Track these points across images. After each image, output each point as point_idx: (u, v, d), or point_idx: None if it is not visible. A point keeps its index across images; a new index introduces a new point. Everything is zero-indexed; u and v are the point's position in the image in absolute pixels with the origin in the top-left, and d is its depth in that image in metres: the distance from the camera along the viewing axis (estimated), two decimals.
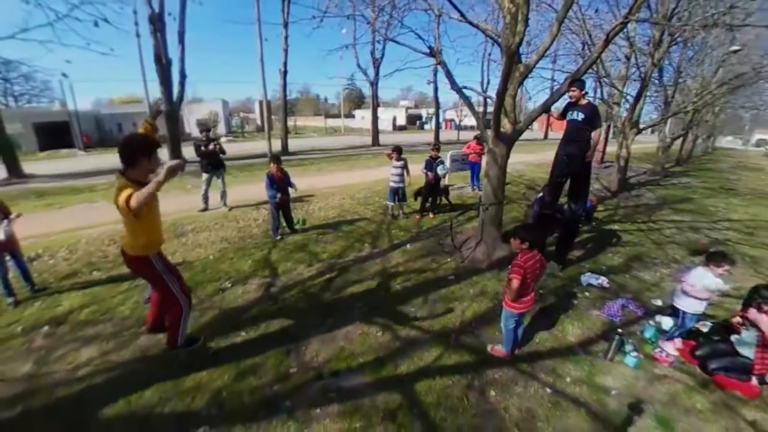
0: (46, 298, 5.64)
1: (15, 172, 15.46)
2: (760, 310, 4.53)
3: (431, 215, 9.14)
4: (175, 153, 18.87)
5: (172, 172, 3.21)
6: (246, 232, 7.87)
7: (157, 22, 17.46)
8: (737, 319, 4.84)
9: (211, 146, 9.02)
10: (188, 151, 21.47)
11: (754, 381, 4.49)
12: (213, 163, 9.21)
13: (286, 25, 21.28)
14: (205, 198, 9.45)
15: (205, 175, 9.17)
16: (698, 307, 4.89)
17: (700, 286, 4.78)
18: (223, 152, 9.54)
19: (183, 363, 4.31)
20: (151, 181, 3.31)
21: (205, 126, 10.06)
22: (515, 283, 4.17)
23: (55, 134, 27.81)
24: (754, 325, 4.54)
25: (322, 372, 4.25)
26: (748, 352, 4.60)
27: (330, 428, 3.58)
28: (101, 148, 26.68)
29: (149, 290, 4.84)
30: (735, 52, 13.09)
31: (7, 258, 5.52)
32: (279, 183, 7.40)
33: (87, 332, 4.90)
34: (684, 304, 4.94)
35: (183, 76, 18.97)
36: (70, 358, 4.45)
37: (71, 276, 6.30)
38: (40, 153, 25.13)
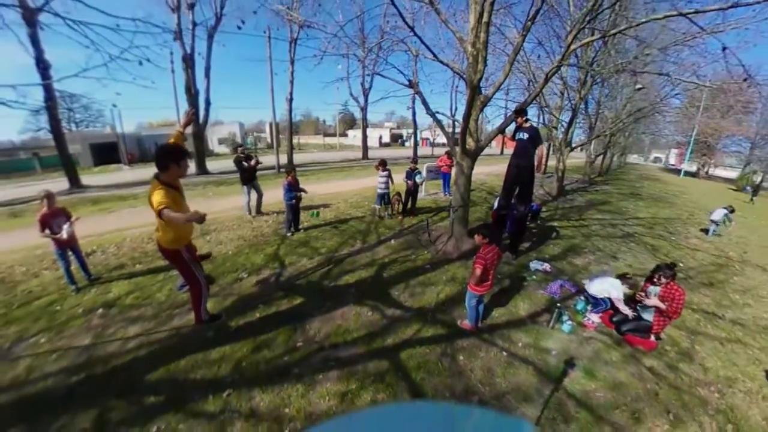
0: (99, 286, 5.61)
1: (75, 184, 15.34)
2: (654, 282, 4.89)
3: (402, 217, 9.07)
4: (201, 166, 18.76)
5: (197, 219, 3.44)
6: (258, 232, 7.78)
7: (188, 60, 17.49)
8: (641, 293, 5.02)
9: (252, 162, 8.75)
10: (212, 165, 21.77)
11: (653, 338, 4.85)
12: (251, 176, 8.91)
13: (292, 62, 21.12)
14: (249, 208, 9.12)
15: (245, 187, 8.87)
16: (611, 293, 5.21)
17: (609, 287, 5.17)
18: (260, 163, 9.26)
19: (210, 338, 4.28)
20: (183, 215, 3.42)
21: (239, 145, 9.62)
22: (478, 272, 4.22)
23: (106, 152, 27.79)
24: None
25: (323, 345, 4.26)
26: (648, 316, 4.89)
27: (331, 390, 3.60)
28: (142, 163, 26.53)
29: (181, 280, 4.80)
30: (638, 90, 13.82)
31: (69, 253, 5.47)
32: (295, 188, 7.35)
33: (132, 314, 4.88)
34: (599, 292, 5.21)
35: (208, 103, 19.00)
36: (119, 334, 4.46)
37: (118, 268, 6.26)
38: (94, 168, 25.07)
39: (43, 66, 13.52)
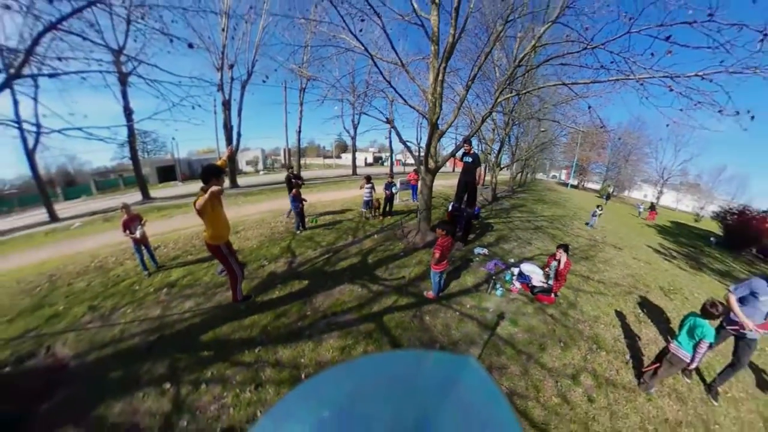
0: (164, 272, 5.55)
1: (146, 196, 15.28)
2: (555, 258, 5.06)
3: (382, 218, 8.93)
4: (233, 181, 18.32)
5: (216, 193, 3.40)
6: (275, 230, 7.55)
7: (226, 104, 17.10)
8: (546, 267, 5.16)
9: (301, 183, 8.26)
10: (241, 180, 21.26)
11: (553, 296, 5.02)
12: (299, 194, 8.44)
13: (301, 104, 20.79)
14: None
15: (294, 204, 8.23)
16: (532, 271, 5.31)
17: (533, 272, 5.25)
18: (303, 182, 8.71)
19: (242, 311, 4.22)
20: (207, 194, 3.35)
21: (290, 167, 8.96)
22: (437, 255, 4.26)
23: (167, 173, 27.49)
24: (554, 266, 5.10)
25: (326, 313, 4.21)
26: (551, 281, 5.07)
27: (333, 345, 3.60)
28: (191, 180, 26.13)
29: (220, 266, 4.72)
30: (542, 131, 15.27)
31: (142, 247, 5.47)
32: (298, 199, 7.17)
33: (187, 292, 4.83)
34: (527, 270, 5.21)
35: (239, 135, 18.50)
36: (179, 307, 4.42)
37: (176, 258, 6.10)
38: (158, 184, 24.64)
39: (127, 112, 13.99)
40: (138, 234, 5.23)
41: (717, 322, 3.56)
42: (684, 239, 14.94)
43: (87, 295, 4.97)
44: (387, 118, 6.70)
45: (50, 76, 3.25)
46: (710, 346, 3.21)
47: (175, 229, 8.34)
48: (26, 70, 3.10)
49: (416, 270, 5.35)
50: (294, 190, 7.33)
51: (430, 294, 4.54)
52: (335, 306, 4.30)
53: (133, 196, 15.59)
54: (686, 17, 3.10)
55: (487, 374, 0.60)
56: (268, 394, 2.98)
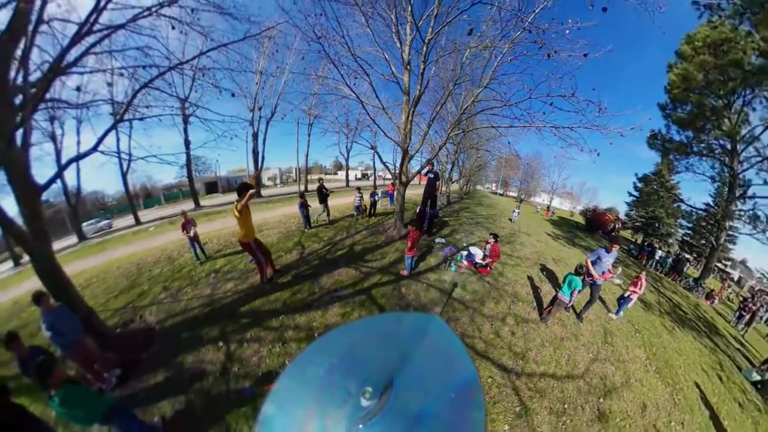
0: (211, 261, 5.47)
1: (197, 205, 15.11)
2: (488, 243, 5.22)
3: (368, 218, 8.88)
4: (258, 193, 17.26)
5: (251, 197, 3.41)
6: (288, 229, 7.40)
7: (255, 136, 16.53)
8: (483, 249, 5.37)
9: (328, 192, 7.81)
10: (263, 191, 20.10)
11: (488, 269, 5.16)
12: (325, 198, 7.85)
13: (309, 135, 19.95)
14: (323, 214, 8.00)
15: (321, 206, 7.77)
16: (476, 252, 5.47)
17: (476, 253, 5.35)
18: (330, 193, 8.11)
19: (268, 290, 4.17)
20: (244, 199, 3.38)
21: (321, 180, 8.23)
22: (409, 244, 4.38)
23: (211, 186, 27.14)
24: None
25: (329, 290, 4.17)
26: (487, 259, 5.21)
27: (336, 312, 3.63)
28: (229, 193, 25.44)
29: (251, 257, 4.69)
30: (479, 157, 15.67)
31: (195, 243, 5.44)
32: (304, 206, 7.02)
33: (228, 276, 4.77)
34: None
35: (263, 158, 17.78)
36: (223, 288, 4.38)
37: (219, 251, 5.95)
38: (206, 195, 24.15)
39: (187, 142, 13.96)
40: (192, 233, 5.27)
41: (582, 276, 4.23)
42: (565, 227, 16.16)
43: (161, 278, 5.03)
44: (372, 146, 6.75)
45: (140, 119, 3.49)
46: (579, 291, 3.93)
47: (217, 229, 8.11)
48: (126, 116, 3.34)
49: (394, 255, 5.41)
50: (302, 199, 7.18)
51: (405, 272, 4.60)
52: (336, 284, 4.31)
53: (189, 205, 15.40)
54: (562, 93, 3.69)
55: (447, 325, 0.60)
56: (292, 349, 3.05)
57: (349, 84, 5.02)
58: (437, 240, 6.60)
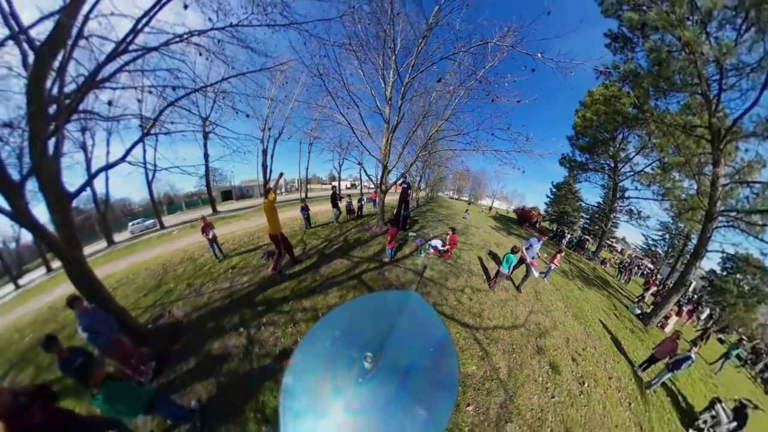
0: (228, 259, 5.08)
1: (215, 210, 13.64)
2: (448, 233, 5.27)
3: (356, 219, 8.70)
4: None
5: (274, 193, 3.35)
6: (292, 229, 7.04)
7: (264, 153, 14.91)
8: (445, 238, 5.40)
9: (341, 197, 7.44)
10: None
11: (449, 254, 5.19)
12: (336, 202, 7.49)
13: (309, 152, 18.87)
14: (336, 216, 7.54)
15: (334, 209, 7.41)
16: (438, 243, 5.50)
17: (439, 243, 5.43)
18: (342, 198, 7.79)
19: (278, 279, 3.97)
20: (269, 199, 3.35)
21: (334, 185, 7.79)
22: (389, 238, 4.38)
23: (227, 194, 24.70)
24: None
25: (328, 277, 3.99)
26: (447, 246, 5.25)
27: (335, 295, 3.51)
28: (242, 200, 23.37)
29: (263, 252, 4.70)
30: (440, 171, 15.49)
31: (214, 244, 5.08)
32: (305, 209, 6.74)
33: (243, 270, 4.46)
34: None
35: (271, 171, 15.68)
36: (239, 280, 4.12)
37: (234, 250, 5.55)
38: (222, 202, 21.90)
39: (206, 156, 12.52)
40: (211, 235, 4.90)
41: (518, 256, 4.46)
42: (502, 222, 16.95)
43: (185, 276, 4.62)
44: (359, 162, 6.89)
45: (165, 134, 3.17)
46: (514, 266, 4.26)
47: (232, 231, 7.56)
48: (153, 131, 3.03)
49: (378, 247, 5.39)
50: (303, 203, 6.86)
51: (386, 260, 4.60)
52: (333, 272, 4.20)
53: (207, 210, 14.03)
54: (501, 127, 4.07)
55: (422, 299, 0.60)
56: (302, 328, 2.95)
57: (343, 113, 5.01)
58: (410, 234, 6.63)
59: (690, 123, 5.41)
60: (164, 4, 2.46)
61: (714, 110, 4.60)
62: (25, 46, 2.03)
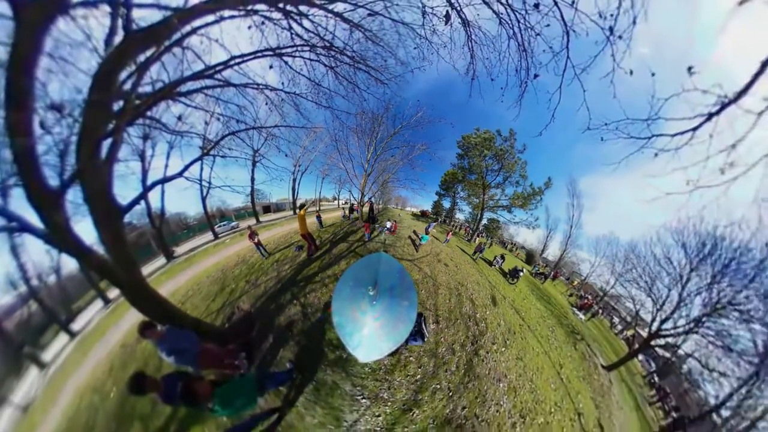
0: (271, 256, 3.99)
1: (257, 221, 9.12)
2: (394, 222, 4.55)
3: (351, 220, 7.41)
4: (293, 209, 11.16)
5: (305, 209, 2.98)
6: (312, 229, 5.53)
7: (293, 180, 10.28)
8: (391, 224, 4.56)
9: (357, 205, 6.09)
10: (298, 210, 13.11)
11: (396, 231, 4.53)
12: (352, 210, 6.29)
13: (321, 182, 14.36)
14: (347, 216, 6.45)
15: (351, 214, 6.29)
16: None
17: (390, 224, 4.61)
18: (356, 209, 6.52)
19: (307, 263, 3.40)
20: (301, 213, 2.88)
21: (353, 203, 6.14)
22: (366, 228, 4.11)
23: (266, 208, 16.51)
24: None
25: (338, 255, 3.54)
26: (393, 228, 4.60)
27: (343, 263, 3.24)
28: (278, 212, 16.88)
29: (295, 247, 3.85)
30: (388, 195, 11.77)
31: (260, 246, 3.98)
32: (318, 216, 5.93)
33: (283, 262, 3.65)
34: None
35: (298, 192, 10.85)
36: (283, 269, 3.40)
37: (275, 249, 4.38)
38: (263, 214, 14.31)
39: (252, 179, 8.19)
40: (256, 240, 3.97)
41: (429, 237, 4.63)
42: (416, 217, 14.69)
43: (242, 275, 3.51)
44: (349, 190, 6.44)
45: (222, 157, 2.57)
46: (426, 240, 4.21)
47: (273, 235, 5.82)
48: (212, 152, 2.38)
49: (360, 234, 4.71)
50: (317, 213, 6.07)
51: (366, 240, 4.27)
52: (340, 251, 3.79)
53: (252, 221, 9.52)
54: (414, 177, 4.79)
55: (390, 256, 0.63)
56: (330, 287, 2.71)
57: (344, 165, 5.10)
58: (377, 225, 6.12)
59: (474, 184, 7.84)
60: (258, 56, 1.93)
61: (485, 190, 6.70)
62: (120, 22, 1.11)
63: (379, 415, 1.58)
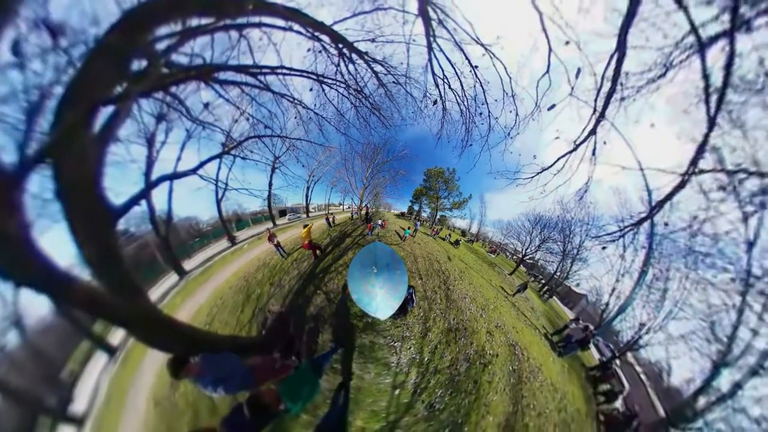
0: (290, 257, 3.87)
1: (274, 224, 7.69)
2: (383, 221, 4.80)
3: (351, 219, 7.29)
4: (306, 213, 9.70)
5: (310, 228, 2.78)
6: (321, 229, 5.76)
7: (307, 188, 9.00)
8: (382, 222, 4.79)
9: (364, 212, 5.76)
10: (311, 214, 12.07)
11: (386, 226, 4.81)
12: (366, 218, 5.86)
13: (330, 191, 12.86)
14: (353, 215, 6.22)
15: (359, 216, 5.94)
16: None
17: (380, 222, 4.84)
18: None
19: (321, 258, 3.51)
20: (306, 228, 2.82)
21: (364, 209, 5.96)
22: (367, 227, 4.45)
23: (282, 212, 13.85)
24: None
25: (345, 249, 3.63)
26: (385, 225, 4.84)
27: (351, 253, 3.28)
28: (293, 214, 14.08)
29: (310, 249, 3.65)
30: (380, 201, 8.98)
31: (279, 247, 3.87)
32: (328, 219, 6.03)
33: (301, 260, 3.62)
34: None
35: (310, 199, 9.16)
36: (301, 266, 3.43)
37: (293, 249, 4.18)
38: (279, 217, 12.43)
39: (270, 184, 7.30)
40: (275, 242, 3.87)
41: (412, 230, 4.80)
42: (401, 217, 12.61)
43: (265, 278, 3.39)
44: (351, 198, 6.49)
45: (242, 158, 2.31)
46: (410, 235, 4.41)
47: (289, 237, 5.32)
48: (234, 152, 2.15)
49: (361, 229, 4.96)
50: (327, 215, 5.69)
51: (368, 236, 4.56)
52: (347, 244, 4.01)
53: (269, 225, 8.09)
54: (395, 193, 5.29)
55: (383, 244, 1.04)
56: (343, 273, 2.86)
57: (349, 179, 5.55)
58: (372, 223, 5.43)
59: (432, 197, 7.25)
60: (303, 75, 1.79)
61: (437, 200, 6.68)
62: None
63: (410, 348, 1.94)
